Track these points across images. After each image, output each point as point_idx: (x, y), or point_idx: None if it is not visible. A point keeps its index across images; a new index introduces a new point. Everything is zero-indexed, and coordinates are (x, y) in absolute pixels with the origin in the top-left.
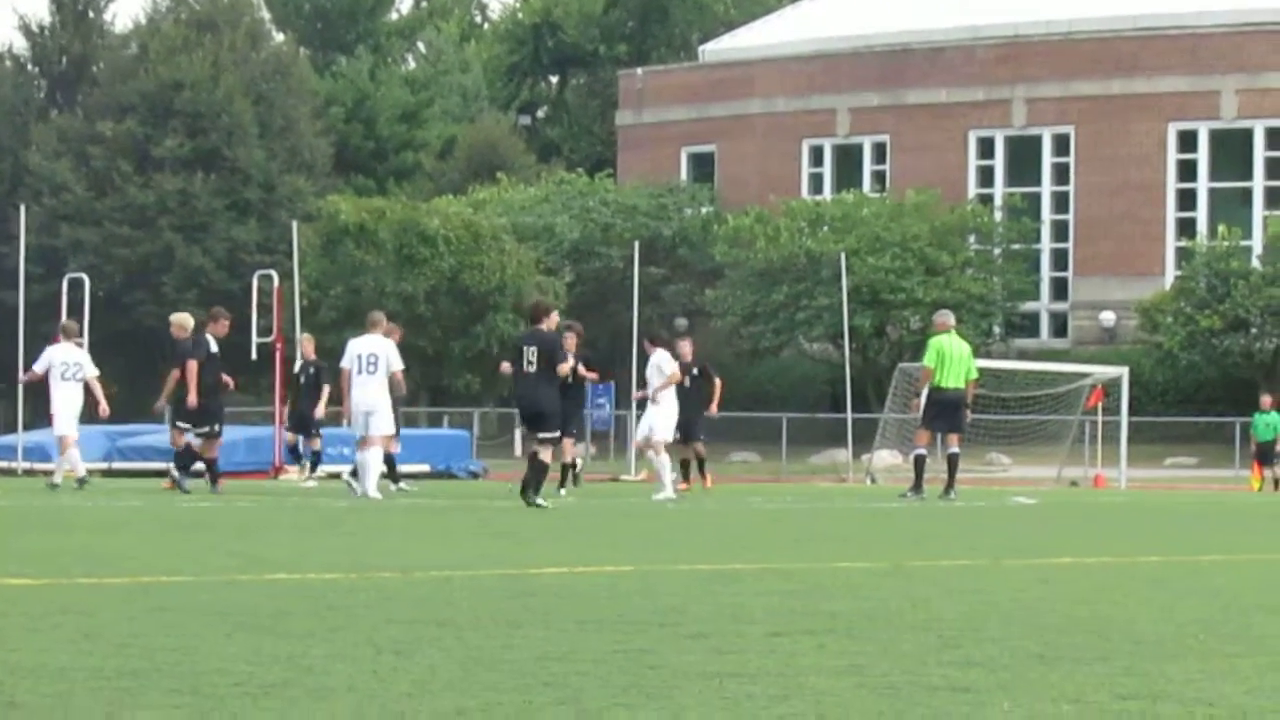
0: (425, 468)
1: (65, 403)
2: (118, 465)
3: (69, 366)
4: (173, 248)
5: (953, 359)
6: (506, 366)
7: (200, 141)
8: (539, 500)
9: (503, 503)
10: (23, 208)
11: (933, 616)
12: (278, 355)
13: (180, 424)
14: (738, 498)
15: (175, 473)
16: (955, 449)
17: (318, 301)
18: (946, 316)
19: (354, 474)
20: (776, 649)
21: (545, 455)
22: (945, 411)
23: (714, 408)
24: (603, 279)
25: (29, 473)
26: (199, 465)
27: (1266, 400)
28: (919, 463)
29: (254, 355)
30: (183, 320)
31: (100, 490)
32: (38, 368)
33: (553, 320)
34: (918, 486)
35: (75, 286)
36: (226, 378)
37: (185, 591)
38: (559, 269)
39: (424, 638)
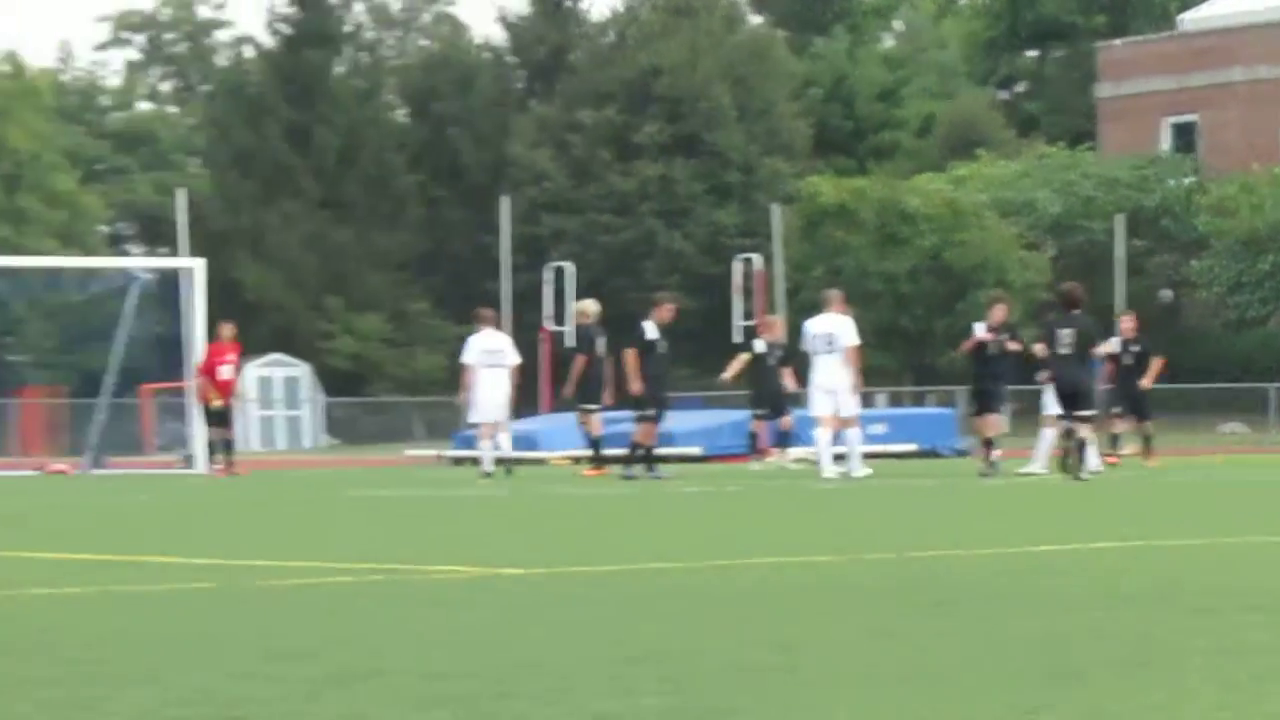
0: (911, 446)
1: (488, 389)
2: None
3: (490, 354)
4: (654, 233)
5: None
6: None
7: (679, 126)
8: (1082, 475)
9: (992, 482)
10: (506, 198)
11: None
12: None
13: (588, 409)
14: (1230, 470)
15: (623, 466)
16: None
17: (799, 283)
18: None
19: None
20: (1255, 624)
21: (1084, 432)
22: None
23: (1146, 381)
24: (1085, 253)
25: (518, 462)
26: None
27: None
28: None
29: (737, 338)
30: (585, 307)
31: (585, 480)
32: (466, 358)
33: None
34: None
35: (558, 275)
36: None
37: (675, 577)
38: (1041, 244)
39: (915, 623)
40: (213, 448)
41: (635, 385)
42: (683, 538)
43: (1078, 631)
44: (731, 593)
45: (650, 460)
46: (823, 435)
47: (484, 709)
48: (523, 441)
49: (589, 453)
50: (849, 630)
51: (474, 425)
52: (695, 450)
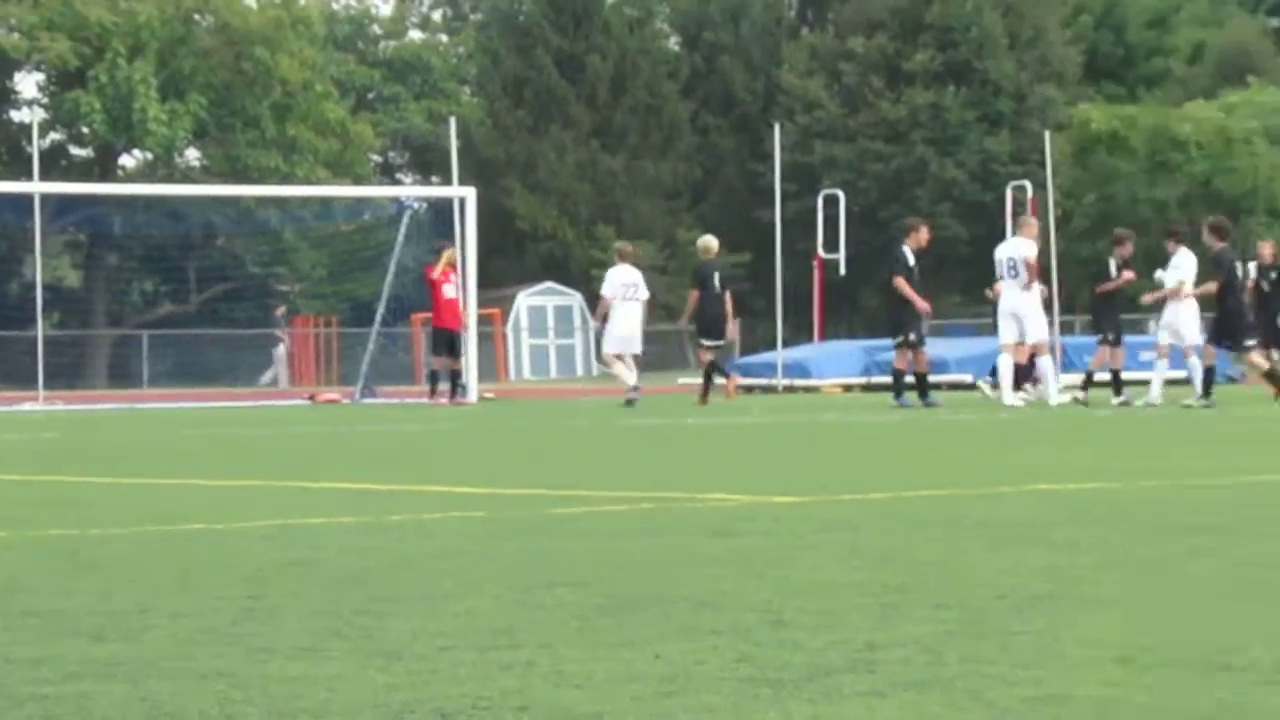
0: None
1: (621, 323)
2: (875, 380)
3: (628, 287)
4: (925, 161)
5: None
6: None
7: (950, 54)
8: None
9: (1244, 409)
10: (777, 126)
11: None
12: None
13: (706, 344)
14: None
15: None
16: None
17: (1071, 211)
18: None
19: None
20: None
21: None
22: None
23: None
24: None
25: (789, 389)
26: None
27: None
28: None
29: None
30: (706, 243)
31: (859, 405)
32: (605, 291)
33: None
34: None
35: (830, 203)
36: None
37: (945, 504)
38: None
39: (1183, 548)
40: (435, 377)
41: (921, 305)
42: (952, 465)
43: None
44: (1001, 520)
45: (924, 388)
46: (1004, 362)
47: (757, 637)
48: (794, 369)
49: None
50: (1122, 558)
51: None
52: (967, 378)
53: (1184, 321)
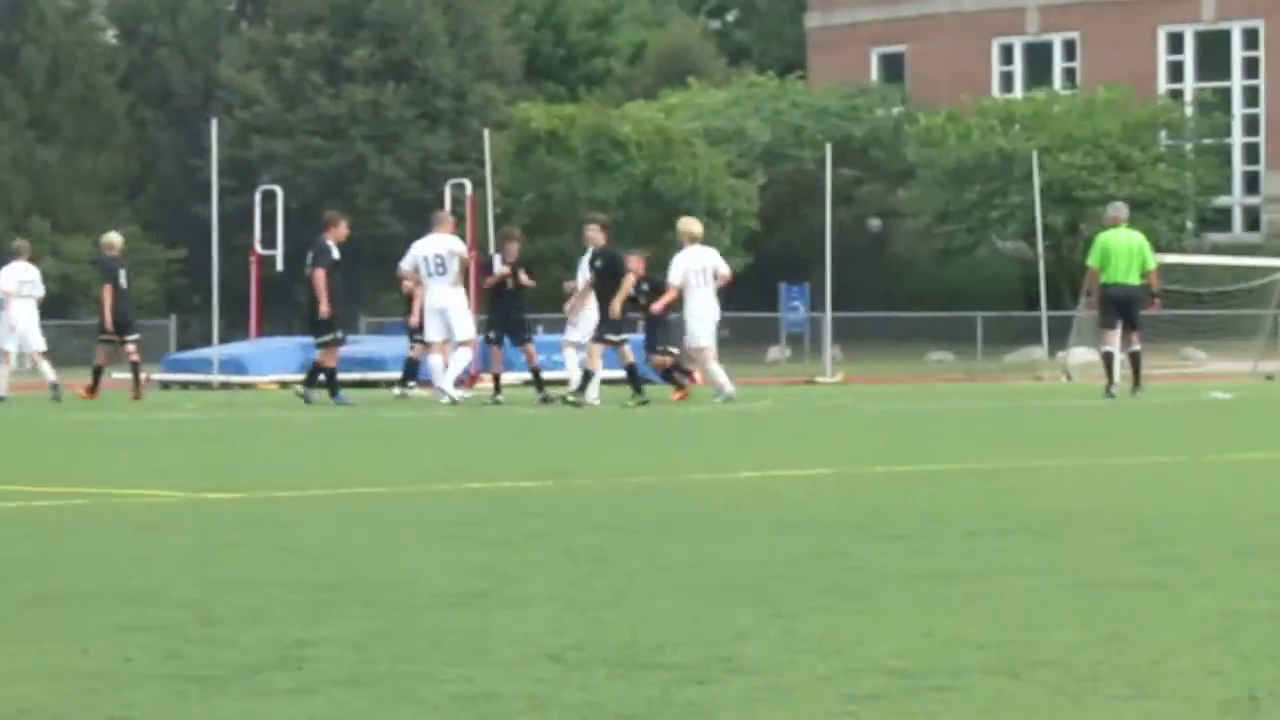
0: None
1: (22, 315)
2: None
3: (25, 284)
4: (364, 158)
5: (1119, 254)
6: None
7: (390, 51)
8: None
9: (698, 407)
10: (214, 121)
11: (1130, 514)
12: (473, 264)
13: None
14: (934, 398)
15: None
16: (1136, 346)
17: (510, 209)
18: (1118, 210)
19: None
20: (975, 549)
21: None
22: (1118, 308)
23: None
24: (795, 181)
25: (225, 385)
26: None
27: None
28: (1106, 360)
29: None
30: (110, 240)
31: (296, 403)
32: (5, 285)
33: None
34: (1109, 385)
35: (268, 199)
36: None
37: (383, 502)
38: (751, 172)
39: (622, 545)
40: None
41: (325, 307)
42: (391, 462)
43: (779, 559)
44: (437, 518)
45: (334, 385)
46: (435, 360)
47: (186, 633)
48: (230, 365)
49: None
50: (555, 556)
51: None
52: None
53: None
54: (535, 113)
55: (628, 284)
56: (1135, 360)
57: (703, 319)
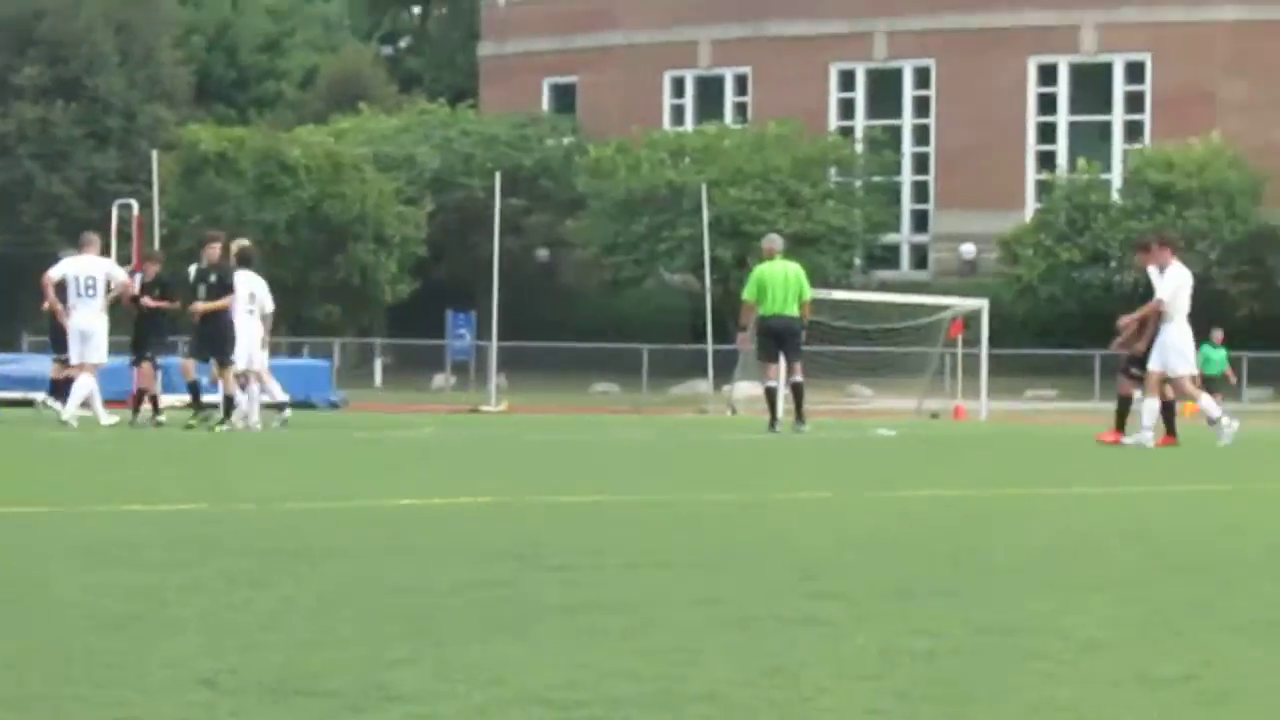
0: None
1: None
2: None
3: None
4: (32, 176)
5: (776, 286)
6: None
7: (60, 70)
8: None
9: (362, 434)
10: None
11: (791, 549)
12: (138, 283)
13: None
14: (598, 429)
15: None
16: (797, 378)
17: (177, 230)
18: (773, 242)
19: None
20: (634, 581)
21: None
22: (776, 340)
23: None
24: (464, 209)
25: None
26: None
27: (1218, 335)
28: (769, 395)
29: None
30: None
31: None
32: None
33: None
34: (772, 420)
35: None
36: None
37: (38, 523)
38: (420, 199)
39: (280, 569)
40: None
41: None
42: (45, 483)
43: (438, 586)
44: (95, 539)
45: None
46: (84, 382)
47: None
48: None
49: None
50: (211, 579)
51: None
52: (37, 396)
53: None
54: (204, 134)
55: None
56: (797, 392)
57: None
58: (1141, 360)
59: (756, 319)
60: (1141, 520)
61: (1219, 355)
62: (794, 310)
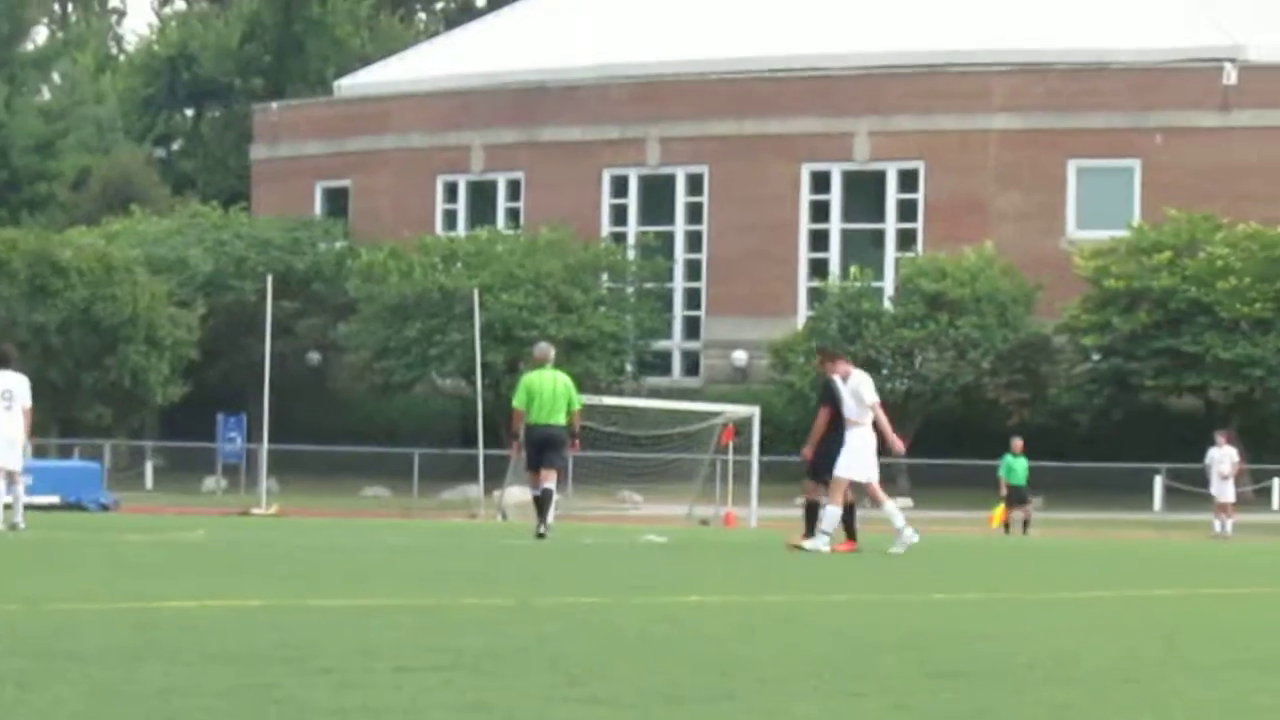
0: (55, 499)
1: None
2: None
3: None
4: None
5: (545, 394)
6: None
7: None
8: None
9: (133, 536)
10: None
11: (560, 653)
12: None
13: None
14: (369, 533)
15: None
16: (549, 485)
17: None
18: (544, 351)
19: None
20: (403, 684)
21: None
22: (541, 447)
23: None
24: (236, 312)
25: None
26: None
27: (1018, 444)
28: (537, 502)
29: None
30: None
31: None
32: None
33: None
34: (541, 524)
35: None
36: None
37: None
38: (192, 302)
39: (49, 671)
40: None
41: None
42: None
43: (206, 690)
44: None
45: None
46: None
47: None
48: None
49: None
50: None
51: None
52: None
53: None
54: None
55: None
56: (546, 498)
57: None
58: (822, 467)
59: (526, 427)
60: (909, 627)
61: (1020, 465)
62: (561, 419)
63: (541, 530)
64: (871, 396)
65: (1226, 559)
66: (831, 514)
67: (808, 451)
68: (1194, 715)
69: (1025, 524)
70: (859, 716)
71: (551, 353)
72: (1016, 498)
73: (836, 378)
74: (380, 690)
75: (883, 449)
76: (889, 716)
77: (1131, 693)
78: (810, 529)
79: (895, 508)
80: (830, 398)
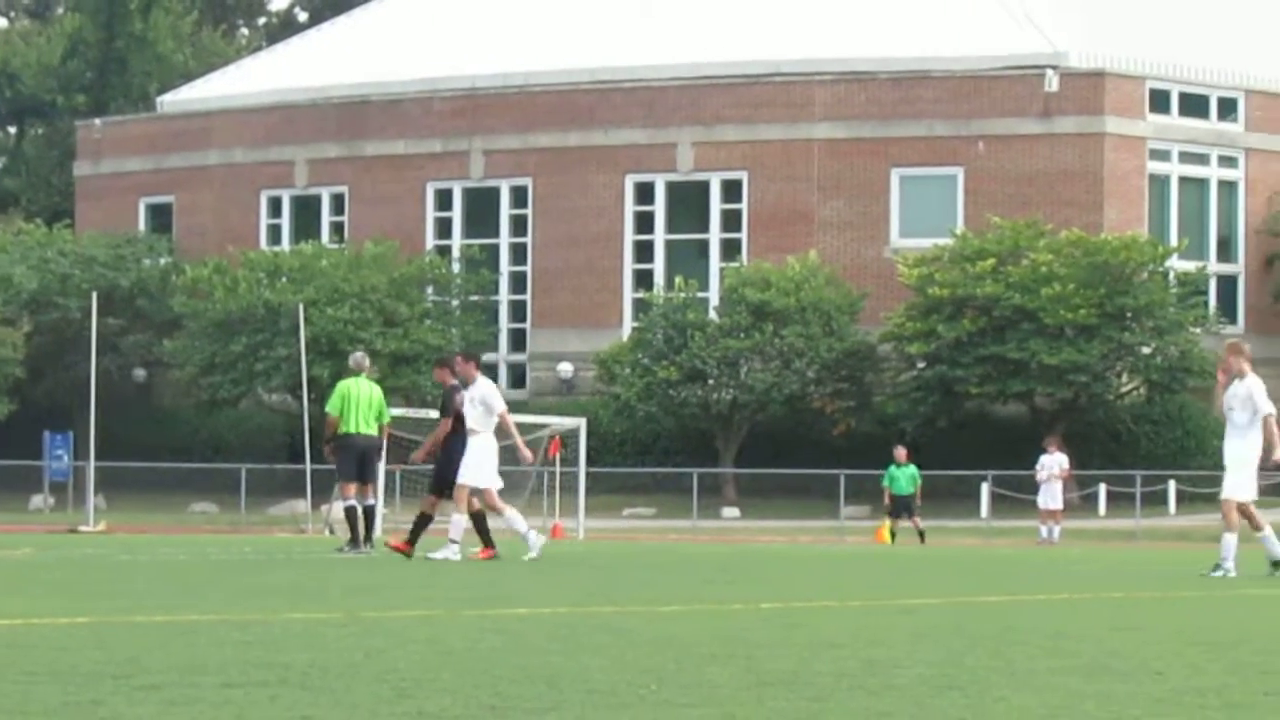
0: None
1: None
2: None
3: None
4: None
5: (361, 403)
6: None
7: None
8: None
9: None
10: None
11: (387, 667)
12: None
13: None
14: (196, 549)
15: None
16: (370, 500)
17: None
18: (360, 361)
19: None
20: (230, 700)
21: None
22: (355, 458)
23: None
24: (61, 330)
25: None
26: None
27: (901, 453)
28: (349, 515)
29: None
30: None
31: None
32: None
33: None
34: (354, 540)
35: None
36: None
37: None
38: (17, 320)
39: None
40: None
41: None
42: None
43: (32, 709)
44: None
45: None
46: None
47: None
48: None
49: None
50: None
51: None
52: None
53: None
54: None
55: None
56: (368, 515)
57: None
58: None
59: (340, 435)
60: (737, 636)
61: (905, 474)
62: (374, 430)
63: (367, 549)
64: (499, 405)
65: (1053, 565)
66: (458, 522)
67: (419, 456)
68: None
69: (921, 535)
70: None
71: (367, 362)
72: (902, 507)
73: (457, 384)
74: (207, 706)
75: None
76: None
77: (955, 700)
78: (486, 540)
79: (516, 514)
80: (449, 408)
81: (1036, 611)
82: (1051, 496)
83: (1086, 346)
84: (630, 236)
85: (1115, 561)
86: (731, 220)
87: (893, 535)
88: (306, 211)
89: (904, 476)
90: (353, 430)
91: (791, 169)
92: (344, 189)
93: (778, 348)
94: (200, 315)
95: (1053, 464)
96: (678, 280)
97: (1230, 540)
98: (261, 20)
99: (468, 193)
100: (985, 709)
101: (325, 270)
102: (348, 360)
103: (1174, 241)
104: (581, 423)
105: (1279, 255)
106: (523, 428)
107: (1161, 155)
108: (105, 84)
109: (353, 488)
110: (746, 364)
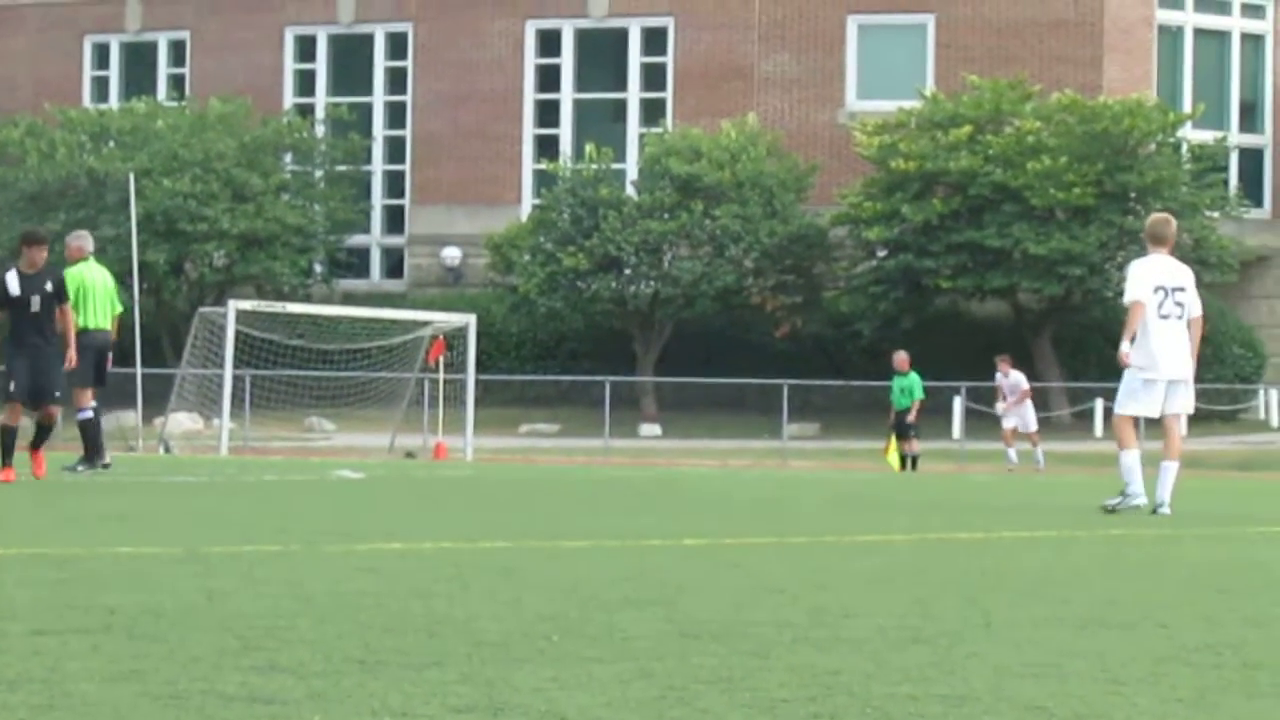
0: None
1: None
2: None
3: None
4: None
5: (97, 293)
6: None
7: None
8: None
9: None
10: None
11: (232, 613)
12: None
13: None
14: None
15: None
16: (88, 411)
17: None
18: (83, 239)
19: None
20: (42, 649)
21: None
22: (93, 359)
23: None
24: None
25: None
26: None
27: (901, 358)
28: (86, 427)
29: None
30: None
31: None
32: None
33: None
34: (91, 454)
35: None
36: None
37: None
38: None
39: None
40: None
41: None
42: None
43: None
44: None
45: None
46: None
47: None
48: None
49: None
50: None
51: None
52: None
53: None
54: None
55: None
56: (85, 430)
57: None
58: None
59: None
60: (656, 579)
61: (901, 384)
62: (108, 324)
63: (108, 460)
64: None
65: (1039, 495)
66: None
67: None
68: (997, 684)
69: (914, 460)
70: (594, 685)
71: (91, 244)
72: (900, 424)
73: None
74: (13, 658)
75: None
76: (630, 685)
77: (919, 655)
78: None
79: None
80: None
81: (1018, 551)
82: (1021, 419)
83: (1081, 233)
84: (531, 95)
85: (1113, 491)
86: (654, 76)
87: (903, 460)
88: (140, 61)
89: (897, 387)
90: (90, 326)
91: (727, 14)
92: (185, 35)
93: (708, 231)
94: (10, 186)
95: (1010, 387)
96: (588, 149)
97: None
98: None
99: (335, 40)
100: (955, 665)
101: (162, 133)
102: (67, 245)
103: (1188, 107)
104: (470, 320)
105: None
106: (399, 326)
107: (1174, 2)
108: None
109: (90, 394)
110: (671, 250)
